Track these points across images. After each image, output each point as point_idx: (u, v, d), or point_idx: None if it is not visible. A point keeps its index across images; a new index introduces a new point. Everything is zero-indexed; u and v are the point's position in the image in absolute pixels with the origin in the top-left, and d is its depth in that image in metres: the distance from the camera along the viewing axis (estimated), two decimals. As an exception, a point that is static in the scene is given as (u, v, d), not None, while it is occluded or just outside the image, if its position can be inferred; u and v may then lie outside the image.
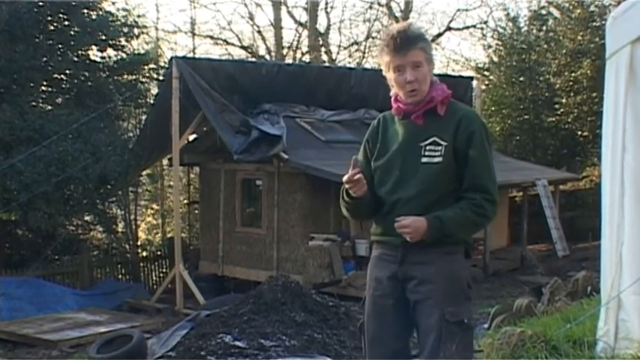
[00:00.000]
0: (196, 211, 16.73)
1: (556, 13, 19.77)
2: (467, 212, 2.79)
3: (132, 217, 18.02)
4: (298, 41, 25.39)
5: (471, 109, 3.04)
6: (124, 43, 15.26)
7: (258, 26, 25.66)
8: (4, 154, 12.16)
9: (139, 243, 18.34)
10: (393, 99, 2.93)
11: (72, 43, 14.30)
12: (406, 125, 2.89)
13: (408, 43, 2.78)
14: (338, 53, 25.75)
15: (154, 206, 21.32)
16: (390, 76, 2.87)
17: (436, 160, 2.81)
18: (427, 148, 2.83)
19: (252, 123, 12.43)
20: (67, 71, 14.58)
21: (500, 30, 21.75)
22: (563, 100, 18.00)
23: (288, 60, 23.88)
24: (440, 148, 2.81)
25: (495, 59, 20.83)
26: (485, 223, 2.89)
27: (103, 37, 14.57)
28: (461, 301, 2.83)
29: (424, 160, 2.82)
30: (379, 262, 2.95)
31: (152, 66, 16.52)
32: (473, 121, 2.87)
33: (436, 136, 2.82)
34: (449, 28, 25.90)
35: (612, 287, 4.22)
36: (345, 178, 2.81)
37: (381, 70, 2.95)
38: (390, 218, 2.84)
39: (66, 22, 14.22)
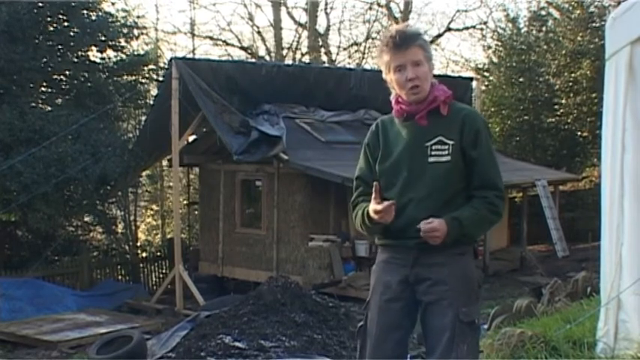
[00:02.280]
0: (196, 212, 16.74)
1: (556, 13, 19.76)
2: (482, 211, 2.80)
3: (131, 217, 18.05)
4: (298, 42, 25.43)
5: (472, 108, 3.06)
6: (123, 43, 15.26)
7: (257, 27, 25.71)
8: (3, 155, 12.13)
9: (138, 244, 18.37)
10: (394, 101, 2.91)
11: (71, 43, 14.29)
12: (410, 126, 2.88)
13: (406, 41, 2.79)
14: (338, 54, 25.80)
15: (154, 207, 21.34)
16: (390, 77, 2.86)
17: (444, 159, 2.81)
18: (433, 147, 2.82)
19: (252, 124, 12.43)
20: (67, 72, 14.57)
21: (500, 31, 21.75)
22: (563, 101, 17.99)
23: (288, 61, 23.87)
24: (447, 147, 2.81)
25: (495, 60, 20.81)
26: (497, 221, 2.90)
27: (103, 38, 14.55)
28: (472, 301, 2.84)
29: (431, 159, 2.82)
30: (388, 266, 2.91)
31: (152, 67, 16.51)
32: (476, 119, 2.89)
33: (441, 135, 2.82)
34: (448, 29, 25.90)
35: (612, 288, 4.23)
36: (377, 208, 2.77)
37: (380, 71, 2.94)
38: (401, 220, 2.82)
39: (65, 23, 14.20)
